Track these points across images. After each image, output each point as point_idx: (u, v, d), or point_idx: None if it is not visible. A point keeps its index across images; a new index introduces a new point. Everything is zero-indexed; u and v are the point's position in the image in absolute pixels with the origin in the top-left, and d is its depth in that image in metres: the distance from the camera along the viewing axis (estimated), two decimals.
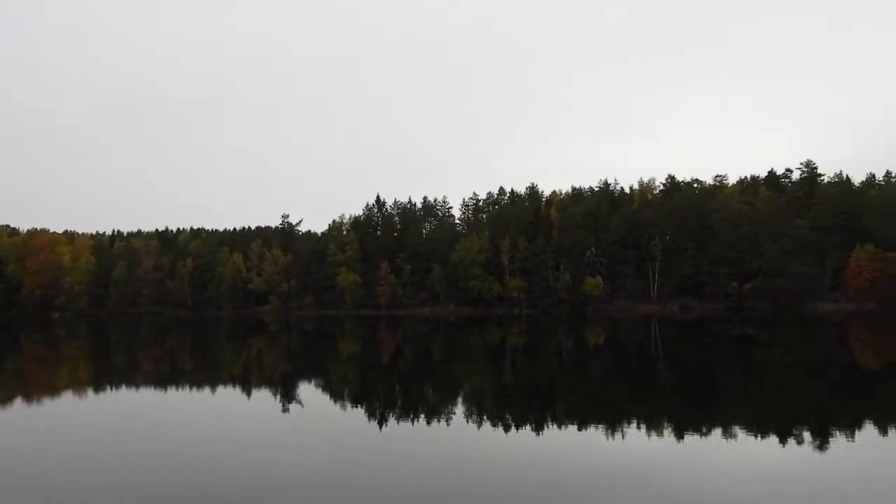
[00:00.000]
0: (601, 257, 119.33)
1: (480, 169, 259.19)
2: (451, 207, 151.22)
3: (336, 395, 28.28)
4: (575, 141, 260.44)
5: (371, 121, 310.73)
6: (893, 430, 18.87)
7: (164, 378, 35.97)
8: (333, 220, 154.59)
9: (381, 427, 20.45)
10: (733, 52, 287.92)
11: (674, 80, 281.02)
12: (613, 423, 20.16)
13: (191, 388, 31.02)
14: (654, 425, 20.09)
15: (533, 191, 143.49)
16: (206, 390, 29.90)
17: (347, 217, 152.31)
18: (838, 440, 17.80)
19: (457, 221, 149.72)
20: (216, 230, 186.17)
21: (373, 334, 73.93)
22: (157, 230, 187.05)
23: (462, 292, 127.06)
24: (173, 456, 16.94)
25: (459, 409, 23.57)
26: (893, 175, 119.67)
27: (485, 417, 22.14)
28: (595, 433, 19.20)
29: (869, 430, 19.04)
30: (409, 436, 19.01)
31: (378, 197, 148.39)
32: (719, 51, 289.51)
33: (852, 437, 18.29)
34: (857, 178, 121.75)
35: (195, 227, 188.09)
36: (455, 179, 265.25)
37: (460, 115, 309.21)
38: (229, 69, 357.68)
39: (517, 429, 19.96)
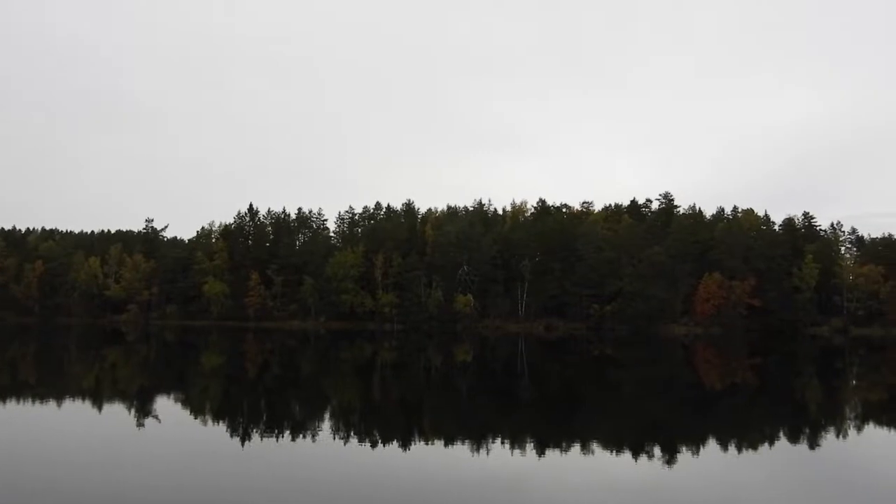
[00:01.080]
0: (473, 276, 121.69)
1: (358, 183, 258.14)
2: (326, 220, 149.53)
3: (196, 411, 27.13)
4: (452, 160, 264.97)
5: (248, 129, 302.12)
6: (732, 443, 20.45)
7: (2, 391, 33.13)
8: (202, 227, 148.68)
9: (243, 444, 19.85)
10: (609, 87, 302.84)
11: (552, 106, 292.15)
12: (479, 439, 20.61)
13: (34, 402, 28.74)
14: (517, 440, 20.72)
15: (409, 207, 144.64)
16: (52, 404, 27.79)
17: (217, 225, 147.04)
18: (683, 453, 19.09)
19: (331, 234, 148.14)
20: (71, 232, 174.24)
21: (239, 347, 71.57)
22: (2, 228, 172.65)
23: (334, 306, 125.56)
24: (7, 477, 15.66)
25: (326, 425, 23.30)
26: (739, 210, 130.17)
27: (352, 433, 22.00)
28: (461, 448, 19.53)
29: (710, 444, 20.54)
30: (272, 452, 18.55)
31: (251, 206, 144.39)
32: (596, 84, 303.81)
33: (696, 450, 19.65)
34: (709, 211, 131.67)
35: (47, 228, 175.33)
36: (331, 192, 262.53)
37: (342, 129, 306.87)
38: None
39: (384, 444, 19.97)
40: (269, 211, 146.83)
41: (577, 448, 19.72)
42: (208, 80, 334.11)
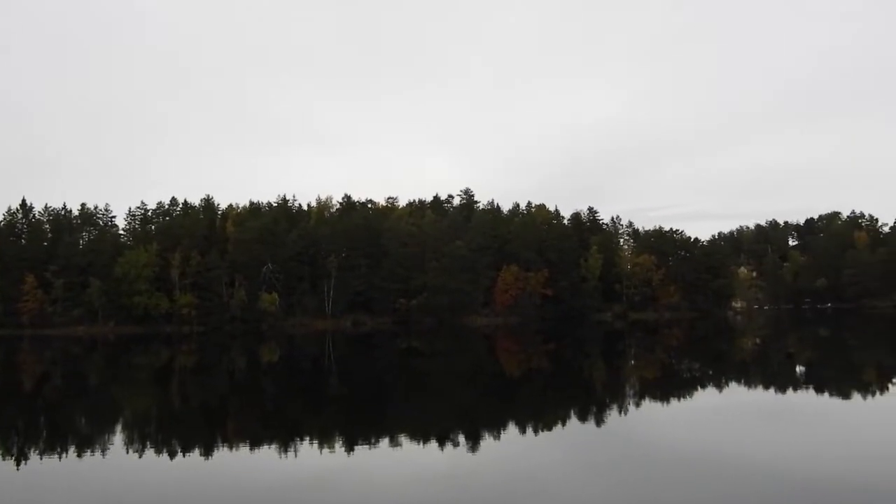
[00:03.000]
0: (277, 273, 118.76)
1: (150, 178, 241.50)
2: (114, 217, 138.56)
3: None
4: (255, 154, 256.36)
5: (23, 119, 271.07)
6: (530, 426, 21.72)
7: None
8: None
9: (18, 465, 17.83)
10: (412, 86, 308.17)
11: (358, 102, 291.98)
12: (286, 440, 20.15)
13: None
14: (326, 439, 20.53)
15: (208, 203, 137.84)
16: None
17: None
18: (486, 439, 19.98)
19: (121, 232, 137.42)
20: None
21: (12, 357, 64.23)
22: None
23: (125, 309, 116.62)
24: None
25: (118, 438, 21.58)
26: (533, 206, 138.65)
27: (148, 444, 20.57)
28: (267, 451, 18.98)
29: (511, 428, 21.69)
30: (55, 472, 16.86)
31: (24, 201, 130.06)
32: (400, 83, 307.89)
33: (498, 435, 20.65)
34: (506, 207, 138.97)
35: None
36: (122, 188, 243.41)
37: (132, 121, 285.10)
38: None
39: (184, 454, 18.89)
40: (46, 207, 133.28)
41: (385, 442, 19.92)
42: None
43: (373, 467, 16.78)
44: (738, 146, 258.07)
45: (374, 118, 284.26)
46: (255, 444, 20.23)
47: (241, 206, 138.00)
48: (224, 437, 21.96)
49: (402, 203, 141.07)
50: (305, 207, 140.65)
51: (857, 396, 27.72)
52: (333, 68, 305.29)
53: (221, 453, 19.15)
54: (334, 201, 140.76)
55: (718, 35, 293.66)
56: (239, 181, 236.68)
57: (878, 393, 29.15)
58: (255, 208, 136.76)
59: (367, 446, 19.49)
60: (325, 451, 18.93)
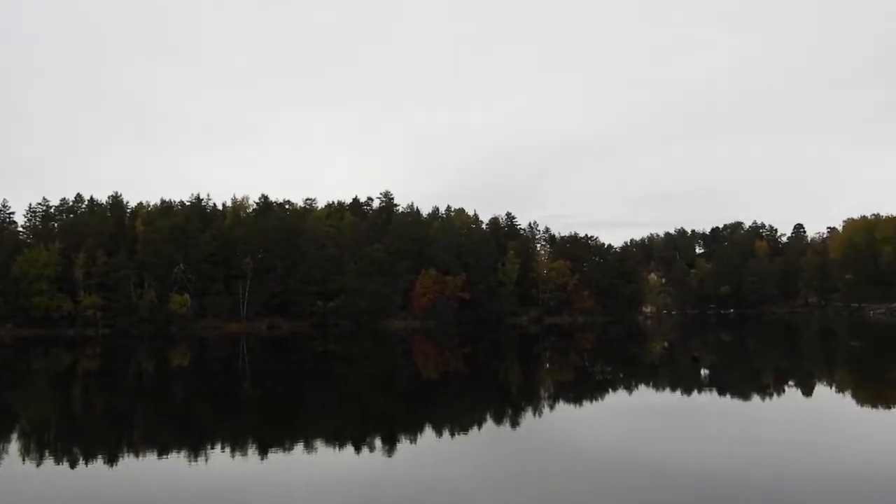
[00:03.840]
0: (189, 274, 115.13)
1: (53, 174, 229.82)
2: (12, 213, 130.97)
3: None
4: (168, 152, 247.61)
5: None
6: (447, 429, 21.84)
7: None
8: None
9: None
10: (333, 86, 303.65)
11: (277, 101, 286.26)
12: (196, 446, 19.57)
13: None
14: (238, 444, 20.03)
15: (116, 200, 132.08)
16: None
17: None
18: (403, 443, 19.98)
19: (20, 230, 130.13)
20: None
21: None
22: None
23: (23, 311, 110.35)
24: None
25: (14, 447, 20.42)
26: (452, 210, 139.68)
27: (47, 453, 19.56)
28: (177, 458, 18.39)
29: (428, 432, 21.74)
30: None
31: None
32: (321, 82, 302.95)
33: (415, 439, 20.67)
34: (425, 210, 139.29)
35: None
36: (21, 184, 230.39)
37: (33, 115, 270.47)
38: None
39: (87, 462, 18.07)
40: None
41: (300, 447, 19.62)
42: None
43: (287, 473, 16.50)
44: (652, 156, 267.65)
45: (294, 118, 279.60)
46: (163, 450, 19.55)
47: (151, 204, 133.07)
48: (130, 444, 21.14)
49: (320, 205, 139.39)
50: (220, 207, 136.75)
51: (755, 398, 29.18)
52: (249, 65, 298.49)
53: (127, 461, 18.42)
54: (251, 201, 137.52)
55: (635, 43, 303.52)
56: (150, 179, 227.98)
57: (774, 395, 30.78)
58: (166, 207, 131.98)
59: (281, 452, 19.15)
60: (238, 457, 18.48)
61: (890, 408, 26.87)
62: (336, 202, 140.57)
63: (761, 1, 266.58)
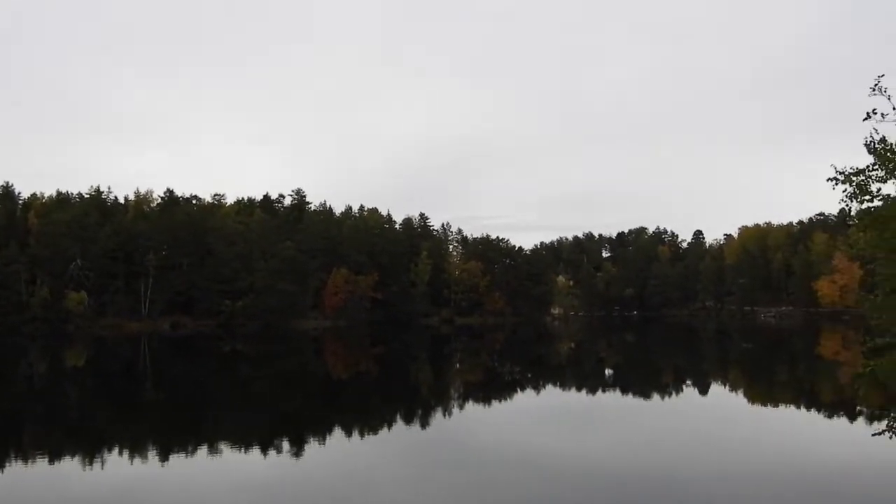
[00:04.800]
0: (87, 270, 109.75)
1: None
2: None
3: None
4: (66, 141, 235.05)
5: None
6: (356, 429, 21.63)
7: None
8: None
9: None
10: (246, 81, 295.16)
11: (184, 92, 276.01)
12: (91, 451, 18.64)
13: None
14: (137, 448, 19.19)
15: (7, 191, 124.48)
16: None
17: None
18: (312, 444, 19.66)
19: None
20: None
21: None
22: None
23: None
24: None
25: None
26: (365, 209, 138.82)
27: None
28: (70, 463, 17.46)
29: (337, 432, 21.49)
30: None
31: None
32: (235, 72, 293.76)
33: (324, 440, 20.38)
34: (338, 209, 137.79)
35: None
36: None
37: None
38: None
39: None
40: None
41: (204, 450, 19.00)
42: None
43: (189, 477, 15.94)
44: (563, 161, 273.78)
45: (205, 111, 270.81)
46: (55, 456, 18.52)
47: (46, 195, 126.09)
48: (19, 450, 19.90)
49: (229, 201, 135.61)
50: (122, 201, 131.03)
51: (656, 397, 30.33)
52: (159, 53, 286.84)
53: (14, 468, 17.33)
54: (155, 195, 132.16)
55: (549, 50, 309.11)
56: (45, 169, 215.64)
57: (674, 393, 32.10)
58: (63, 199, 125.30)
59: (183, 455, 18.49)
60: (137, 461, 17.70)
61: (777, 406, 28.47)
62: (246, 199, 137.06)
63: (673, 16, 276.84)
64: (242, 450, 19.23)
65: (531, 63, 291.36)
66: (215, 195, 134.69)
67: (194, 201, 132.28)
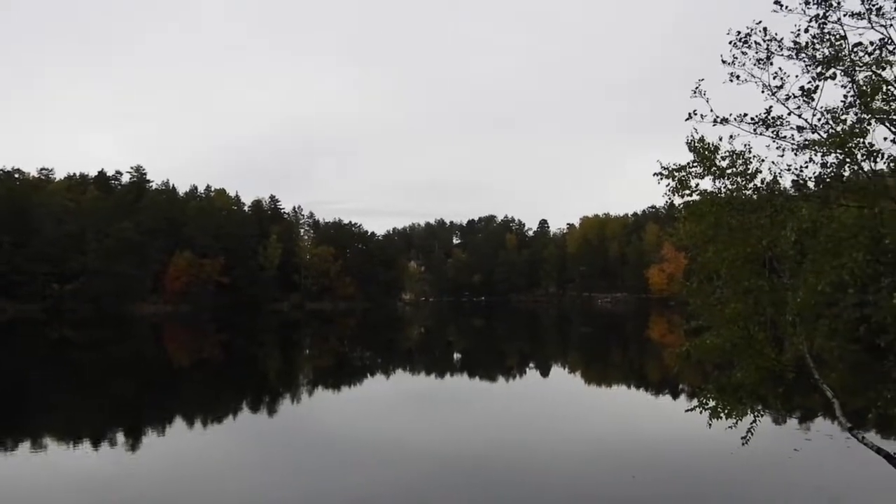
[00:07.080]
0: None
1: None
2: None
3: None
4: None
5: None
6: (198, 419, 20.83)
7: None
8: None
9: None
10: (93, 54, 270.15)
11: (23, 59, 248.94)
12: None
13: None
14: None
15: None
16: None
17: None
18: (150, 436, 18.71)
19: None
20: None
21: None
22: None
23: None
24: None
25: None
26: (212, 190, 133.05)
27: None
28: None
29: (177, 422, 20.58)
30: None
31: None
32: (76, 41, 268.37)
33: (162, 430, 19.44)
34: (183, 189, 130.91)
35: None
36: None
37: None
38: None
39: None
40: None
41: (26, 446, 17.57)
42: None
43: (9, 477, 14.69)
44: (418, 149, 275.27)
45: (39, 80, 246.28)
46: None
47: None
48: None
49: (58, 176, 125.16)
50: None
51: (502, 379, 31.57)
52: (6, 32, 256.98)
53: None
54: None
55: (420, 39, 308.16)
56: None
57: (518, 376, 33.52)
58: None
59: (2, 453, 17.00)
60: None
61: (610, 386, 30.54)
62: (78, 174, 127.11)
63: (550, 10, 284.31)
64: (71, 444, 17.93)
65: (403, 50, 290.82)
66: (42, 170, 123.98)
67: (17, 175, 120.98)
